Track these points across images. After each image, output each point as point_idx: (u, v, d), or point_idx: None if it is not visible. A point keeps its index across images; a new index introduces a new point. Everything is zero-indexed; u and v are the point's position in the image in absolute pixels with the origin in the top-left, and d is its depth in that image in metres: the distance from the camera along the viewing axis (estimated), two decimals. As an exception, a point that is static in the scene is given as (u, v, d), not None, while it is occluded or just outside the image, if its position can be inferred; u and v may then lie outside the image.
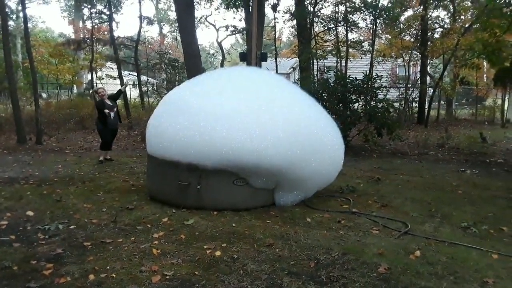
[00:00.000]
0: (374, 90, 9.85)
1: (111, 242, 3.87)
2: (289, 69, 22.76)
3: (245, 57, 9.23)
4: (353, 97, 9.85)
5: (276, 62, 17.36)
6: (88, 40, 17.45)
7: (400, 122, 10.33)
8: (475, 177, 7.39)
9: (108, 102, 8.13)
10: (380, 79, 10.04)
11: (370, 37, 16.13)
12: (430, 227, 4.53)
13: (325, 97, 10.19)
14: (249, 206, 5.00)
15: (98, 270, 3.24)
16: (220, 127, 4.78)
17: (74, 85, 20.93)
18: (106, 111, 7.91)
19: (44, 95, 25.14)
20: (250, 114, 4.94)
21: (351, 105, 10.13)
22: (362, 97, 9.89)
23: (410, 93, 16.45)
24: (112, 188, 5.99)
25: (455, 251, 3.80)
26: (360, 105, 10.20)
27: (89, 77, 19.10)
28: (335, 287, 3.09)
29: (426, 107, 16.78)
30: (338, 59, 15.39)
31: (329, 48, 16.07)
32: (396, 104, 14.19)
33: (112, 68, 18.45)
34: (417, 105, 17.58)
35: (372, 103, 9.94)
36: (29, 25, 26.77)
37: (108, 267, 3.31)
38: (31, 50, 10.46)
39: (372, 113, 9.26)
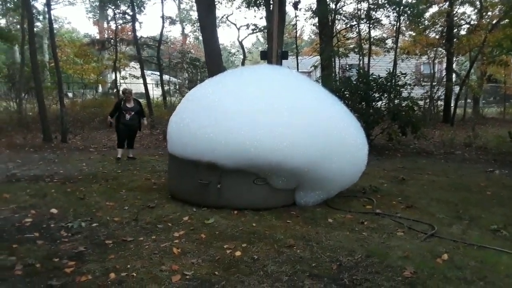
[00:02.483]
0: (398, 88, 9.62)
1: (132, 240, 3.88)
2: (311, 67, 22.59)
3: (266, 56, 9.17)
4: (376, 95, 9.65)
5: (297, 60, 17.21)
6: (112, 40, 17.74)
7: (425, 121, 10.07)
8: (504, 177, 7.12)
9: (129, 105, 8.31)
10: (404, 77, 9.80)
11: (394, 34, 15.80)
12: (457, 229, 4.37)
13: (347, 95, 10.03)
14: (269, 206, 4.94)
15: (119, 269, 3.25)
16: (241, 126, 4.73)
17: (99, 85, 21.38)
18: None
19: (70, 94, 25.75)
20: (272, 113, 4.88)
21: (374, 103, 9.94)
22: (386, 95, 9.66)
23: (435, 91, 16.04)
24: (134, 186, 6.03)
25: (484, 255, 3.65)
26: (384, 103, 9.98)
27: (113, 76, 19.38)
28: (359, 290, 3.00)
29: (452, 105, 16.33)
30: (361, 57, 15.14)
31: (351, 46, 15.83)
32: (421, 103, 13.87)
33: (135, 68, 18.71)
34: (443, 104, 17.12)
35: (396, 101, 9.71)
36: (55, 26, 27.48)
37: (128, 265, 3.31)
38: (56, 50, 10.69)
39: (396, 111, 9.05)
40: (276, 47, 8.81)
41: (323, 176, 5.05)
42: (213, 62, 9.64)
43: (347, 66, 10.25)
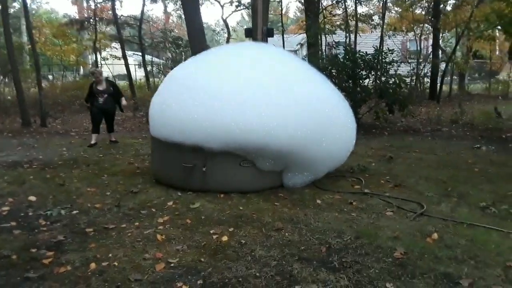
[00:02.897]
0: (385, 65, 9.49)
1: (114, 227, 3.73)
2: (297, 45, 22.21)
3: (250, 33, 8.89)
4: (364, 73, 9.51)
5: (283, 38, 16.93)
6: (91, 20, 17.13)
7: (412, 98, 10.00)
8: (491, 153, 7.12)
9: (100, 87, 7.89)
10: (392, 53, 9.67)
11: (380, 11, 15.58)
12: (446, 207, 4.33)
13: (334, 73, 9.88)
14: (256, 188, 4.82)
15: (100, 258, 3.11)
16: (226, 106, 4.56)
17: (81, 67, 20.79)
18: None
19: (50, 77, 25.03)
20: (259, 93, 4.71)
21: (361, 81, 9.81)
22: (373, 72, 9.53)
23: (421, 68, 15.98)
24: (116, 171, 5.85)
25: (474, 233, 3.60)
26: (371, 81, 9.86)
27: (94, 58, 18.81)
28: (348, 273, 2.92)
29: (438, 82, 16.32)
30: (347, 34, 14.93)
31: (337, 23, 15.58)
32: (407, 80, 13.80)
33: (117, 48, 18.15)
34: (429, 81, 17.10)
35: (383, 78, 9.60)
36: (33, 6, 26.48)
37: (110, 254, 3.17)
38: (32, 31, 10.24)
39: (384, 89, 8.95)
40: (261, 24, 8.55)
41: (311, 157, 4.94)
42: (196, 40, 9.35)
43: (334, 43, 10.06)
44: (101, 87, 7.91)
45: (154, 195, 4.67)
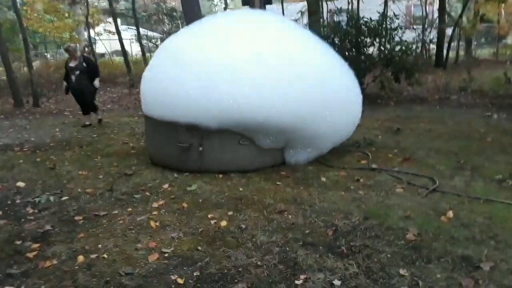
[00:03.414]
0: (391, 31, 9.01)
1: (105, 214, 3.49)
2: (297, 13, 21.46)
3: (248, 1, 8.45)
4: (368, 40, 9.06)
5: (282, 6, 16.27)
6: (83, -6, 16.49)
7: (417, 66, 9.57)
8: (503, 122, 6.78)
9: (72, 64, 7.28)
10: (398, 19, 9.18)
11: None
12: (460, 181, 4.05)
13: (337, 42, 9.42)
14: (257, 167, 4.55)
15: (89, 250, 2.88)
16: (223, 81, 4.23)
17: (77, 44, 20.20)
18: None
19: (48, 55, 24.44)
20: (257, 65, 4.35)
21: (365, 49, 9.37)
22: (378, 40, 9.07)
23: (427, 34, 15.39)
24: (110, 152, 5.58)
25: (492, 210, 3.34)
26: (375, 49, 9.40)
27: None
28: (358, 259, 2.68)
29: (444, 48, 15.74)
30: (350, 0, 14.30)
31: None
32: (413, 47, 13.28)
33: (111, 23, 17.58)
34: (435, 47, 16.51)
35: (388, 46, 9.14)
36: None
37: (100, 245, 2.93)
38: (17, 6, 9.76)
39: (390, 57, 8.52)
40: (259, -9, 8.09)
41: (315, 132, 4.64)
42: (190, 10, 8.86)
43: (337, 9, 9.58)
44: (73, 63, 7.30)
45: (149, 177, 4.41)
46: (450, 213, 3.28)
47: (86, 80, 7.34)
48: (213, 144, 4.42)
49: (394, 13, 9.43)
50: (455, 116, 7.29)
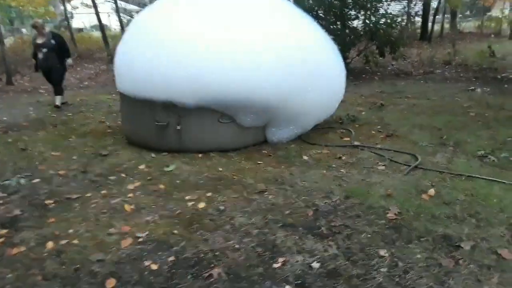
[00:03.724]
0: (375, 3, 8.81)
1: (77, 197, 3.34)
2: None
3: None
4: (352, 13, 8.86)
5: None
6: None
7: (403, 39, 9.45)
8: (487, 96, 6.77)
9: (39, 40, 6.80)
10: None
11: None
12: (442, 158, 4.01)
13: (321, 14, 9.20)
14: (238, 146, 4.43)
15: (59, 236, 2.74)
16: (199, 57, 4.06)
17: (57, 18, 19.44)
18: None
19: (24, 30, 23.46)
20: (237, 39, 4.18)
21: (350, 22, 9.19)
22: (363, 12, 8.88)
23: (412, 6, 15.19)
24: (86, 132, 5.39)
25: (474, 186, 3.31)
26: (360, 22, 9.22)
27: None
28: (338, 240, 2.61)
29: (429, 21, 15.60)
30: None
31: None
32: (398, 19, 13.11)
33: (89, -4, 16.88)
34: (420, 20, 16.35)
35: (373, 19, 8.96)
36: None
37: (71, 230, 2.81)
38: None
39: (374, 30, 8.36)
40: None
41: (297, 110, 4.54)
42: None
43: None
44: (41, 40, 6.80)
45: (125, 158, 4.26)
46: (432, 191, 3.23)
47: (55, 58, 6.85)
48: (191, 123, 4.27)
49: (378, -15, 9.21)
50: (439, 91, 7.24)
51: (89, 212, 3.07)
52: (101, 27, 13.39)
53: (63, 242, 2.67)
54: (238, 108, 4.23)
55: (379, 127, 5.18)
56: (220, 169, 3.88)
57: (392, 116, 5.66)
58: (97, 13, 13.20)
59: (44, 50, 6.75)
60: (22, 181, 3.73)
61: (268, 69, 4.16)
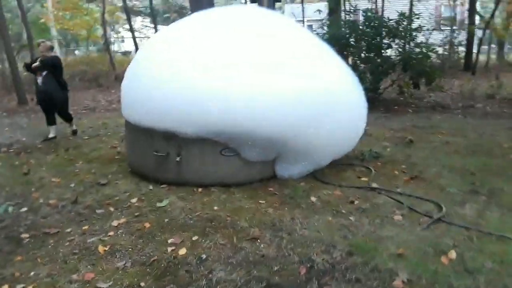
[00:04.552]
0: (411, 32, 8.32)
1: (56, 233, 3.10)
2: (315, 12, 20.61)
3: (255, -2, 7.99)
4: (386, 41, 8.41)
5: (302, 5, 15.68)
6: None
7: (443, 70, 8.86)
8: (532, 136, 6.05)
9: (35, 65, 6.06)
10: (418, 18, 8.49)
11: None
12: (472, 209, 3.46)
13: (353, 42, 8.82)
14: (242, 181, 4.08)
15: (17, 278, 2.49)
16: (202, 84, 3.79)
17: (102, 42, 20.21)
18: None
19: (77, 52, 24.63)
20: (244, 67, 3.90)
21: (383, 51, 8.72)
22: (397, 41, 8.41)
23: (455, 35, 14.47)
24: (94, 157, 5.24)
25: (506, 250, 2.76)
26: (394, 51, 8.74)
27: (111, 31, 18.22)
28: (329, 311, 2.18)
29: (474, 51, 14.78)
30: (372, -1, 13.57)
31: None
32: (440, 49, 12.47)
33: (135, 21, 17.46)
34: (464, 50, 15.54)
35: (408, 48, 8.47)
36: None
37: (32, 273, 2.55)
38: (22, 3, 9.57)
39: (407, 59, 7.86)
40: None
41: (310, 144, 4.13)
42: (196, 7, 8.44)
43: (353, 8, 8.95)
44: (40, 63, 6.05)
45: (121, 189, 4.02)
46: (453, 253, 2.72)
47: (55, 82, 6.13)
48: (192, 154, 3.98)
49: (414, 13, 8.74)
50: (478, 128, 6.59)
51: (60, 252, 2.81)
52: (137, 50, 13.69)
53: (19, 286, 2.40)
54: (242, 141, 3.90)
55: (404, 166, 4.67)
56: (216, 207, 3.53)
57: (421, 155, 5.12)
58: (133, 38, 13.52)
59: (44, 73, 6.05)
60: (10, 209, 3.57)
61: (276, 99, 3.82)
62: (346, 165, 4.75)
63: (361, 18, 8.93)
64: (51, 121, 6.34)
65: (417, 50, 8.07)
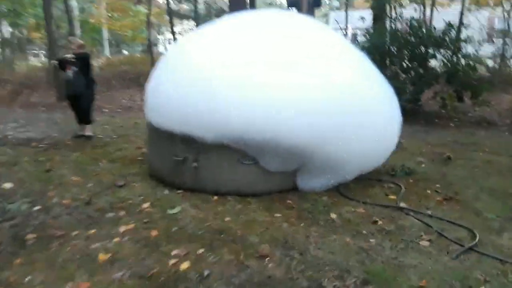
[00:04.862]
0: (458, 43, 7.80)
1: (61, 235, 3.04)
2: (359, 19, 19.98)
3: (293, 3, 7.78)
4: (430, 51, 7.95)
5: (346, 13, 15.29)
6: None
7: (492, 84, 8.26)
8: None
9: (69, 57, 5.92)
10: (466, 29, 7.97)
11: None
12: (510, 239, 3.09)
13: (395, 51, 8.42)
14: (260, 191, 3.89)
15: (12, 283, 2.43)
16: (224, 88, 3.66)
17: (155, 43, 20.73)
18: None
19: (125, 52, 25.41)
20: (268, 70, 3.72)
21: (428, 61, 8.25)
22: (441, 51, 7.92)
23: (508, 48, 13.55)
24: (118, 157, 5.22)
25: (547, 291, 2.40)
26: (439, 62, 8.24)
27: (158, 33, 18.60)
28: None
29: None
30: (419, 7, 12.96)
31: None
32: (491, 62, 11.71)
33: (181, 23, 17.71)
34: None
35: (454, 59, 7.96)
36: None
37: (27, 278, 2.47)
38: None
39: (452, 71, 7.37)
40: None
41: (335, 157, 3.90)
42: (234, 11, 8.37)
43: (396, 16, 8.54)
44: (71, 57, 5.93)
45: (137, 192, 3.93)
46: (484, 290, 2.40)
47: (83, 80, 5.99)
48: (209, 161, 3.84)
49: (462, 23, 8.21)
50: (526, 147, 6.05)
51: (60, 257, 2.73)
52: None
53: (11, 292, 2.33)
54: (262, 149, 3.72)
55: (438, 185, 4.31)
56: (228, 218, 3.36)
57: (458, 174, 4.72)
58: (175, 40, 13.67)
59: (75, 68, 5.89)
60: (24, 206, 3.56)
61: (300, 107, 3.61)
62: (374, 180, 4.45)
63: (403, 26, 8.52)
64: (79, 119, 6.25)
65: (464, 61, 7.55)
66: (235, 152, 3.77)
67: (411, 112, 8.04)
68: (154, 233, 3.09)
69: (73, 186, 4.10)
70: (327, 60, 4.01)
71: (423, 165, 5.06)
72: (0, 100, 9.89)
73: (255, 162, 3.81)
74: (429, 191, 4.15)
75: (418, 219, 3.44)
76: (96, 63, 16.08)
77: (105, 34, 18.96)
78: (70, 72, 5.91)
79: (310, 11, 7.57)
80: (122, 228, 3.16)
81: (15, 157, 5.13)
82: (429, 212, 3.60)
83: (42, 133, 6.61)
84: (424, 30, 7.84)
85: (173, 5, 20.62)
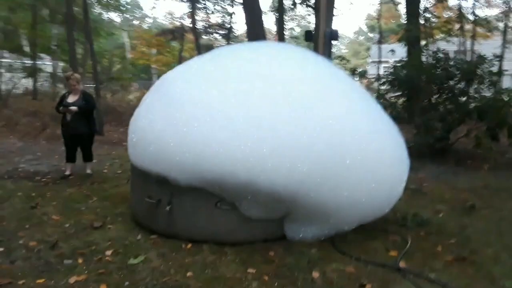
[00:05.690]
0: (491, 76, 7.15)
1: (7, 283, 2.79)
2: (388, 52, 19.39)
3: (311, 36, 7.52)
4: (460, 85, 7.34)
5: (379, 46, 14.88)
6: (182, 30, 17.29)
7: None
8: None
9: (70, 99, 5.79)
10: (499, 61, 7.31)
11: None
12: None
13: (423, 85, 7.86)
14: (240, 239, 3.50)
15: None
16: (197, 125, 3.36)
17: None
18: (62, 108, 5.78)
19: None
20: (249, 106, 3.41)
21: (460, 97, 7.61)
22: (472, 86, 7.29)
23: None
24: (110, 194, 5.03)
25: None
26: (472, 96, 7.58)
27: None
28: None
29: None
30: (452, 37, 12.33)
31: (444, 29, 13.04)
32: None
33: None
34: None
35: (488, 94, 7.28)
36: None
37: None
38: (90, 34, 10.21)
39: (482, 107, 6.70)
40: (324, 25, 7.12)
41: (327, 204, 3.45)
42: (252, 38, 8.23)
43: (423, 46, 8.06)
44: (72, 98, 5.78)
45: (108, 236, 3.66)
46: None
47: (85, 120, 5.83)
48: (184, 205, 3.51)
49: (495, 55, 7.55)
50: None
51: (-11, 311, 2.47)
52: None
53: None
54: (238, 194, 3.35)
55: (452, 241, 3.70)
56: (190, 273, 2.98)
57: (480, 227, 4.07)
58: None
59: (74, 109, 5.69)
60: (-13, 248, 3.38)
61: (280, 146, 3.24)
62: (378, 230, 3.92)
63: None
64: (69, 158, 6.04)
65: (496, 96, 6.87)
66: (212, 196, 3.43)
67: (440, 151, 7.38)
68: (102, 287, 2.77)
69: (49, 226, 3.91)
70: (318, 94, 3.63)
71: (440, 215, 4.45)
72: (30, 132, 10.22)
73: (233, 207, 3.44)
74: (440, 248, 3.56)
75: (415, 285, 2.89)
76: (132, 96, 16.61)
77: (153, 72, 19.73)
78: (69, 116, 5.77)
79: (328, 44, 7.27)
80: (72, 279, 2.87)
81: (11, 191, 5.08)
82: (432, 276, 3.03)
83: (51, 167, 6.63)
84: (451, 63, 7.25)
85: (204, 39, 21.11)
